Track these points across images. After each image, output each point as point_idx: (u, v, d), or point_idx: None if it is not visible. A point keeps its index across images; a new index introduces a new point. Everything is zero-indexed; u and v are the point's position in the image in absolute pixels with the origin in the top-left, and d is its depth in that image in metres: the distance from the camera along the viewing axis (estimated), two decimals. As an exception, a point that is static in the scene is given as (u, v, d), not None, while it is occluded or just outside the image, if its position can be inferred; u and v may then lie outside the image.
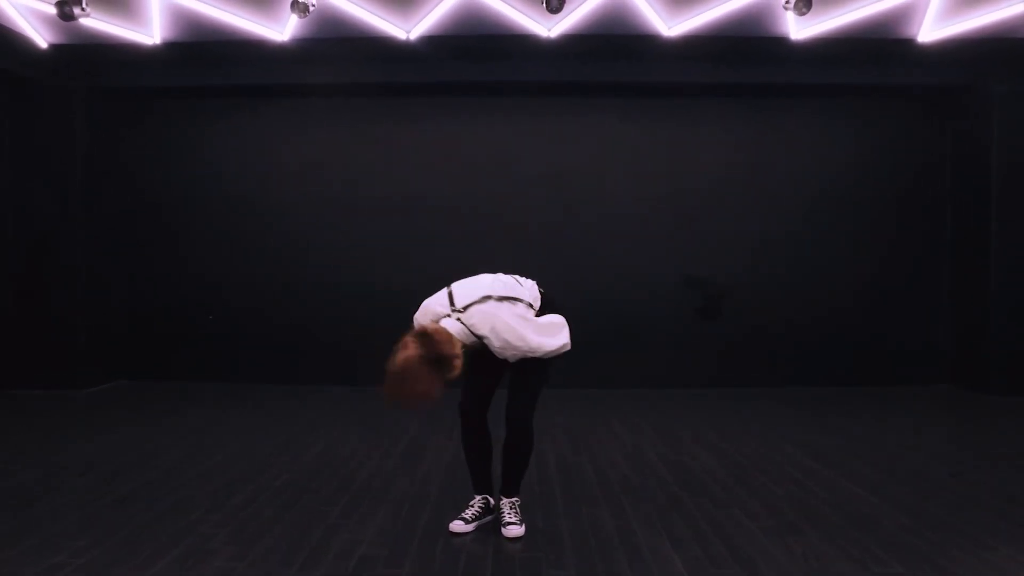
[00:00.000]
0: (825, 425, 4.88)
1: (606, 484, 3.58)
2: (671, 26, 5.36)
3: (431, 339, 2.55)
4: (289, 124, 6.47)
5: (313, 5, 4.73)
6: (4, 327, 5.94)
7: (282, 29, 5.43)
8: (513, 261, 6.07)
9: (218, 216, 6.48)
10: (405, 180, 6.36)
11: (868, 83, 6.00)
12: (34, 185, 6.05)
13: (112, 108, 6.35)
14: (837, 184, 6.38)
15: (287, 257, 6.45)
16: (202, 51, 5.68)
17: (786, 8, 4.56)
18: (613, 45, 5.63)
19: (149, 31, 5.45)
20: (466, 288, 2.78)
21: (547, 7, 4.70)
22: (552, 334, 2.75)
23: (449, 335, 2.62)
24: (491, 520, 2.99)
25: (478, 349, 2.75)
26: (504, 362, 2.80)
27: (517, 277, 2.91)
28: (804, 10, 4.48)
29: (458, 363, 2.57)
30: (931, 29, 5.34)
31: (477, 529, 2.95)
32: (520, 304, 2.76)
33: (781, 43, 5.50)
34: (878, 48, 5.59)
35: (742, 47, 5.62)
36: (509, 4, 5.17)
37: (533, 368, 2.80)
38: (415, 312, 2.89)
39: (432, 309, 2.79)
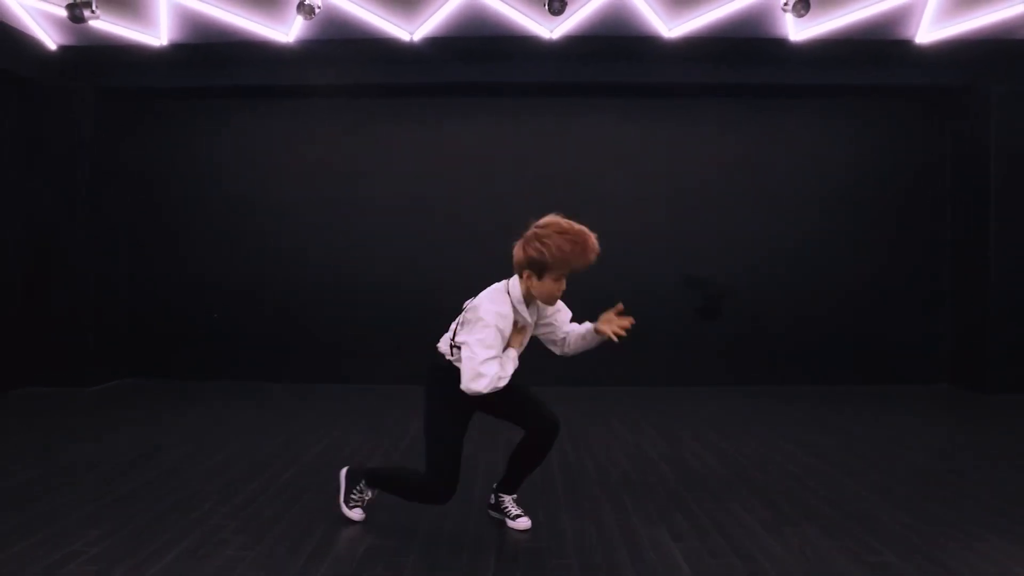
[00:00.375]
0: (824, 424, 4.93)
1: (607, 480, 3.64)
2: (671, 27, 5.42)
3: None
4: (292, 125, 6.54)
5: (319, 7, 4.80)
6: (11, 326, 6.01)
7: (287, 30, 5.50)
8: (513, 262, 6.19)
9: (221, 216, 6.55)
10: (407, 180, 6.42)
11: (867, 84, 6.06)
12: (41, 186, 6.13)
13: (118, 109, 6.43)
14: (837, 184, 6.43)
15: (289, 257, 6.52)
16: (208, 52, 5.76)
17: (785, 10, 4.62)
18: (614, 46, 5.70)
19: (156, 32, 5.52)
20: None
21: (549, 9, 4.76)
22: (471, 364, 2.52)
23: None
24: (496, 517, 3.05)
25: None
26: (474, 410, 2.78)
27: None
28: (803, 12, 4.54)
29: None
30: (929, 30, 5.39)
31: (478, 523, 3.01)
32: (505, 307, 2.65)
33: (780, 44, 5.56)
34: (877, 49, 5.65)
35: (742, 48, 5.68)
36: (511, 6, 5.24)
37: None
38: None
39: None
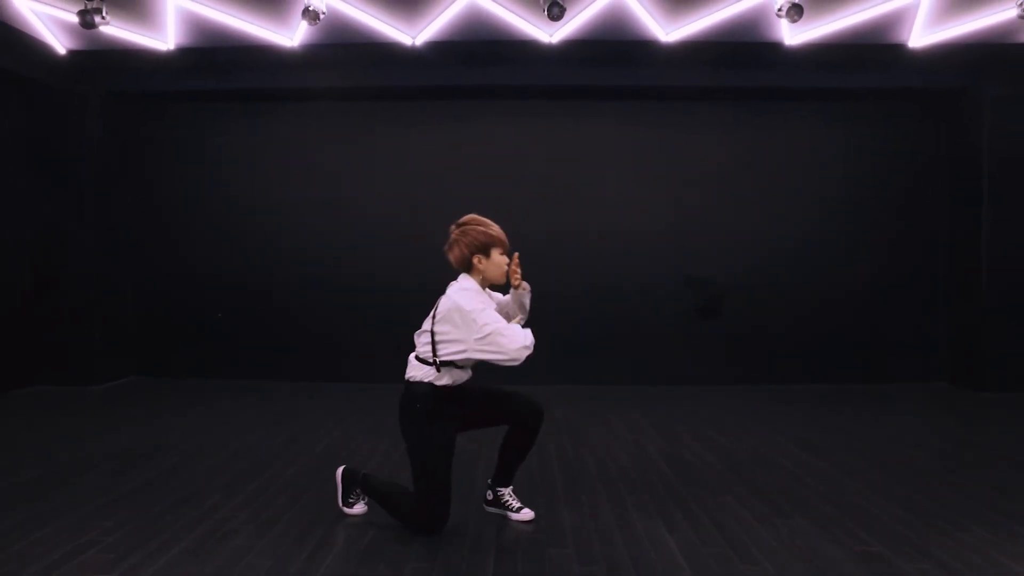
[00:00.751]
0: (823, 422, 5.00)
1: (605, 475, 3.72)
2: (669, 32, 5.51)
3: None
4: (296, 127, 6.63)
5: (323, 13, 4.89)
6: (19, 326, 6.11)
7: (291, 35, 5.60)
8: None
9: (226, 217, 6.64)
10: (410, 182, 6.51)
11: (863, 87, 6.13)
12: (49, 187, 6.23)
13: (125, 112, 6.53)
14: (834, 185, 6.51)
15: (292, 257, 6.60)
16: (214, 56, 5.85)
17: (779, 15, 4.71)
18: (612, 50, 5.78)
19: (163, 37, 5.62)
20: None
21: (548, 14, 4.85)
22: (510, 342, 2.70)
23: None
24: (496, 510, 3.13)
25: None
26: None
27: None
28: (796, 17, 4.63)
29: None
30: (922, 35, 5.48)
31: (477, 515, 3.10)
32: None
33: (777, 48, 5.65)
34: (872, 53, 5.73)
35: (740, 52, 5.76)
36: (512, 11, 5.33)
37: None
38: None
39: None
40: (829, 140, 6.54)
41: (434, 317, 2.84)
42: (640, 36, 5.57)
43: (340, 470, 3.15)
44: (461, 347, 2.75)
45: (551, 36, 5.58)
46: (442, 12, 5.35)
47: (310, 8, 4.79)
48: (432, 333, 2.82)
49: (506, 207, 6.45)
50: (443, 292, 2.92)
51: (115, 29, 5.34)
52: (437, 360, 2.81)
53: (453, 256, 2.92)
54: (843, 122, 6.53)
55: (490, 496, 3.12)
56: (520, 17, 5.38)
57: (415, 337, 2.94)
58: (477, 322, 2.69)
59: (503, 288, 3.08)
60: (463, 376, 2.91)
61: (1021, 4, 4.35)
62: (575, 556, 2.67)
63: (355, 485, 3.09)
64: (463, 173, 6.48)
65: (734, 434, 4.64)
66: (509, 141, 6.54)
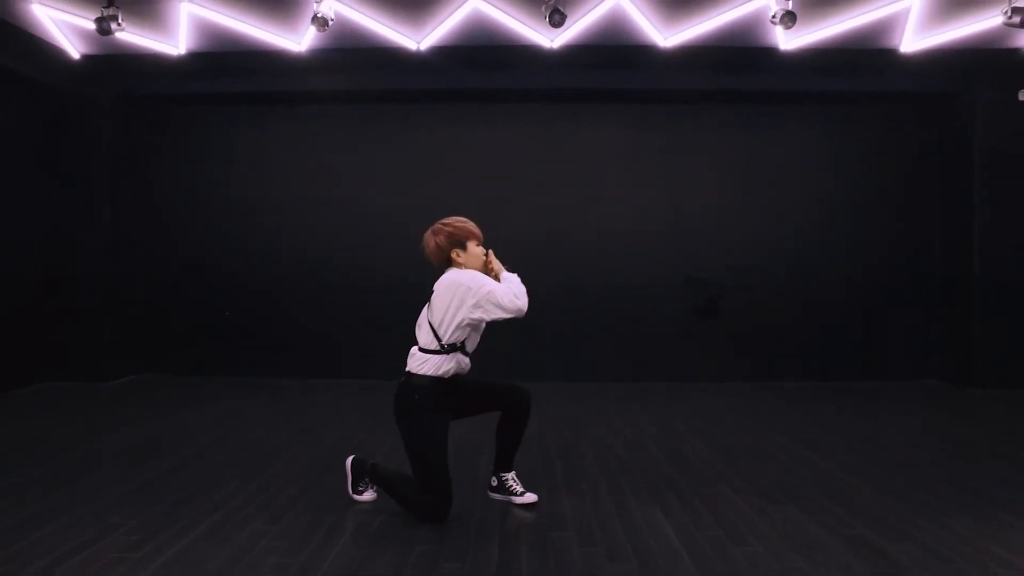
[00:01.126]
0: (817, 418, 5.13)
1: (605, 466, 3.85)
2: (667, 37, 5.65)
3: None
4: (301, 130, 6.77)
5: (331, 19, 5.03)
6: (34, 324, 6.25)
7: (299, 39, 5.74)
8: (518, 262, 6.40)
9: (234, 218, 6.78)
10: (413, 183, 6.64)
11: (857, 90, 6.27)
12: (59, 189, 6.38)
13: (135, 115, 6.68)
14: (831, 187, 6.64)
15: (300, 257, 6.74)
16: (223, 60, 5.99)
17: (773, 22, 4.85)
18: (612, 55, 5.92)
19: (175, 42, 5.76)
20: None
21: (550, 21, 4.99)
22: (507, 296, 2.93)
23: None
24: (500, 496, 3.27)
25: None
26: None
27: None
28: (789, 24, 4.77)
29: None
30: (913, 40, 5.62)
31: (482, 502, 3.23)
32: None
33: (772, 53, 5.78)
34: (865, 57, 5.87)
35: (736, 56, 5.90)
36: (514, 17, 5.47)
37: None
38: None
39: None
40: (825, 142, 6.68)
41: (429, 307, 3.00)
42: (639, 41, 5.71)
43: (350, 459, 3.28)
44: (460, 316, 2.91)
45: (552, 41, 5.72)
46: (447, 18, 5.49)
47: (319, 15, 4.93)
48: (430, 323, 2.98)
49: (508, 208, 6.63)
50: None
51: (128, 35, 5.48)
52: (444, 345, 2.94)
53: (431, 253, 3.08)
54: (838, 125, 6.67)
55: (494, 482, 3.26)
56: (522, 23, 5.53)
57: (416, 332, 3.07)
58: (475, 283, 2.89)
59: None
60: (466, 364, 3.05)
61: (1005, 12, 4.49)
62: (576, 539, 2.81)
63: (364, 474, 3.23)
64: (466, 175, 6.61)
65: (731, 429, 4.75)
66: (511, 143, 6.68)
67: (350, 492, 3.25)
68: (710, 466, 3.85)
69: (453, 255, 3.05)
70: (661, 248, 6.64)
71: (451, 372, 2.99)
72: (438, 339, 2.97)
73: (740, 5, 5.23)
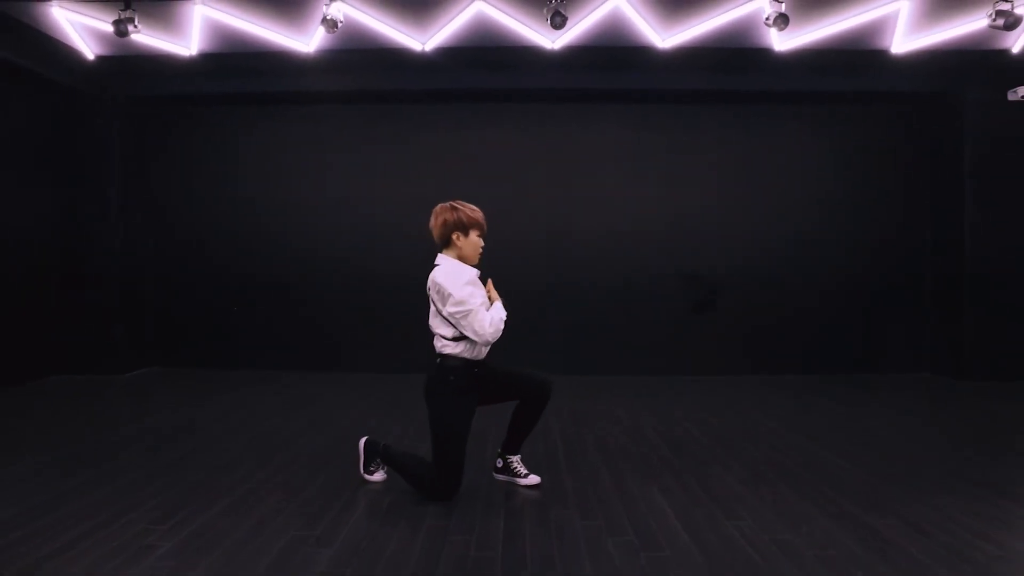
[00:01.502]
0: (811, 407, 5.28)
1: (605, 450, 4.00)
2: (665, 38, 5.80)
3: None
4: (309, 129, 6.93)
5: (341, 21, 5.18)
6: (50, 320, 6.41)
7: (308, 41, 5.90)
8: (519, 260, 6.57)
9: (243, 216, 6.94)
10: (417, 181, 6.79)
11: (849, 90, 6.42)
12: (75, 188, 6.54)
13: (146, 115, 6.84)
14: (825, 185, 6.79)
15: (308, 254, 6.90)
16: (234, 61, 6.14)
17: (767, 24, 5.01)
18: (612, 56, 6.08)
19: (187, 43, 5.92)
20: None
21: (551, 23, 5.14)
22: (481, 326, 3.02)
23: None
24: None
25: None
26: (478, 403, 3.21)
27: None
28: (783, 26, 4.93)
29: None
30: (903, 41, 5.77)
31: (489, 481, 3.39)
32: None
33: (766, 54, 5.94)
34: (857, 58, 6.02)
35: (732, 57, 6.05)
36: (516, 19, 5.63)
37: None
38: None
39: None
40: (819, 141, 6.83)
41: (435, 301, 3.12)
42: (638, 42, 5.87)
43: (363, 440, 3.44)
44: (445, 312, 3.03)
45: (554, 43, 5.87)
46: (451, 20, 5.65)
47: (328, 17, 5.08)
48: (440, 313, 3.10)
49: (510, 205, 6.79)
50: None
51: (143, 36, 5.63)
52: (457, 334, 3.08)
53: (435, 227, 3.17)
54: (832, 124, 6.82)
55: (500, 464, 3.41)
56: (524, 25, 5.69)
57: (431, 321, 3.19)
58: (466, 307, 2.99)
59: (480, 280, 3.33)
60: (483, 349, 3.18)
61: (990, 15, 4.64)
62: (577, 515, 2.96)
63: (376, 454, 3.38)
64: (469, 173, 6.77)
65: (727, 417, 4.91)
66: (513, 142, 6.84)
67: (362, 472, 3.40)
68: (706, 450, 4.00)
69: (454, 237, 3.14)
70: (660, 245, 6.79)
71: (482, 355, 3.13)
72: (452, 327, 3.10)
73: (735, 7, 5.39)
